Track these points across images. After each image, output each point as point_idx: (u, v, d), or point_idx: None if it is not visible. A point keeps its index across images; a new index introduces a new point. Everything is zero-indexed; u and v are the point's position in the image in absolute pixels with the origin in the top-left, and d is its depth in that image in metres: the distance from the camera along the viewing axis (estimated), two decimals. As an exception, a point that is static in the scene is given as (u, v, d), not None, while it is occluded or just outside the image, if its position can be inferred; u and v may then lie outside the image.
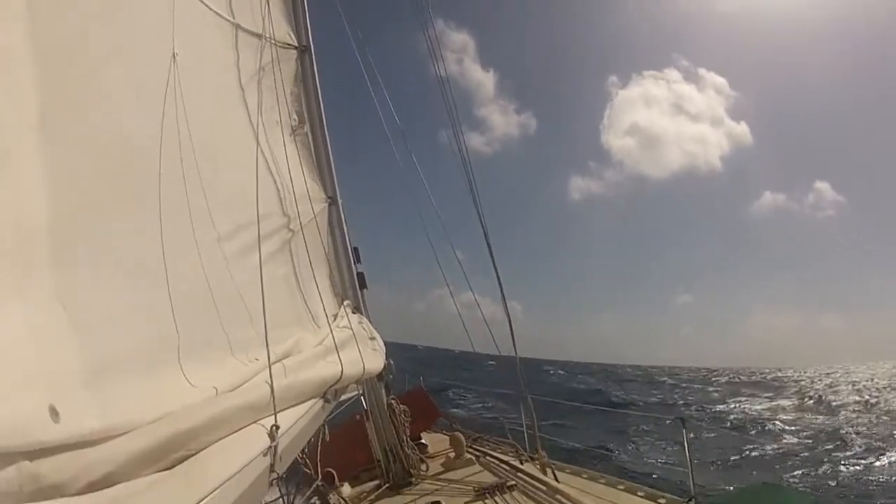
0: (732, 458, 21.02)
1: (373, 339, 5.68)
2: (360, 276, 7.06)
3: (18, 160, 1.70)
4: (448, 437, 8.81)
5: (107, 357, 1.82)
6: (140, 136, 2.76)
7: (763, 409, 39.68)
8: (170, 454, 1.77)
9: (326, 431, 4.28)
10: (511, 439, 8.72)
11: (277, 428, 2.41)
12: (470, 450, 8.46)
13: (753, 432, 28.45)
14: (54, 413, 1.40)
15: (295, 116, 5.84)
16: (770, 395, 52.24)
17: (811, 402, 44.75)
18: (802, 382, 68.16)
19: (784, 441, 26.42)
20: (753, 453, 21.70)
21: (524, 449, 8.21)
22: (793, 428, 30.54)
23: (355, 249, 7.08)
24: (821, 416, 36.08)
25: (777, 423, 32.27)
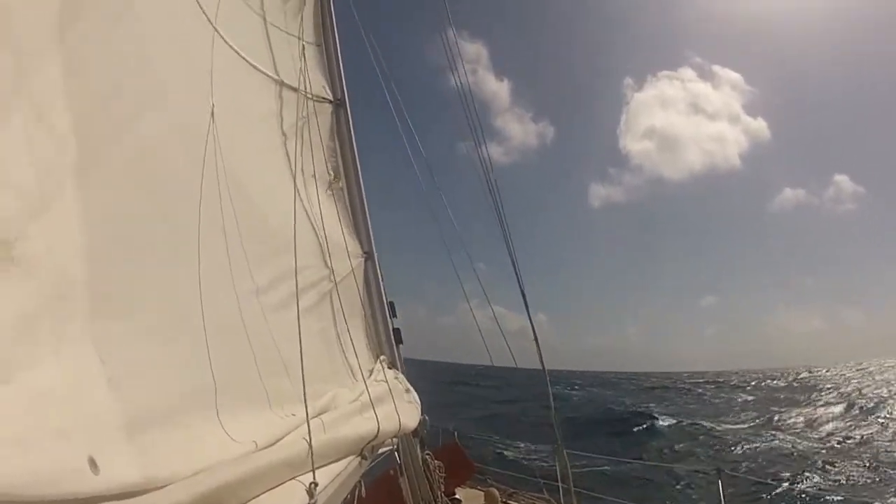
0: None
1: (408, 393, 5.63)
2: (396, 331, 7.02)
3: (56, 210, 1.69)
4: (483, 493, 8.72)
5: (146, 409, 1.79)
6: (179, 185, 2.77)
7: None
8: (210, 509, 1.73)
9: (363, 488, 4.22)
10: (546, 494, 8.61)
11: (316, 485, 2.37)
12: None
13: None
14: (93, 465, 1.37)
15: (331, 170, 5.87)
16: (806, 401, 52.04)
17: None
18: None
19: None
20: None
21: None
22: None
23: (391, 304, 7.06)
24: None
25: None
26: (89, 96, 2.11)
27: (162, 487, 1.61)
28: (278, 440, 2.60)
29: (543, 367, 8.36)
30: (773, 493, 20.75)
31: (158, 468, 1.65)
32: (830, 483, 23.52)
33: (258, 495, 2.06)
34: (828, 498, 20.46)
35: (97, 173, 2.00)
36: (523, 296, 8.38)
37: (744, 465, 26.26)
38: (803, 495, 20.86)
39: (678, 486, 23.14)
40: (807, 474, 24.57)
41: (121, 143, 2.29)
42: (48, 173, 1.70)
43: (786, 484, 21.41)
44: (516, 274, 8.43)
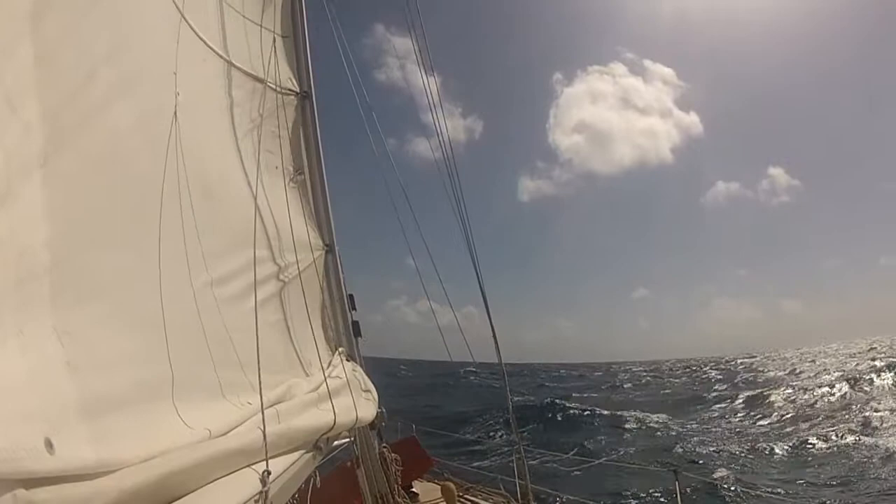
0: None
1: (366, 389, 5.65)
2: (355, 324, 7.03)
3: (21, 197, 1.71)
4: (440, 487, 8.76)
5: (103, 394, 1.82)
6: (142, 176, 2.78)
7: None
8: (162, 494, 1.77)
9: (318, 478, 4.24)
10: (503, 489, 8.67)
11: (269, 474, 2.40)
12: (461, 500, 8.41)
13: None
14: (49, 446, 1.40)
15: (293, 163, 5.87)
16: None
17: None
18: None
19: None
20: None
21: (516, 500, 8.17)
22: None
23: (350, 297, 7.07)
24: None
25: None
26: (59, 85, 2.12)
27: (116, 471, 1.64)
28: (233, 428, 2.63)
29: (500, 361, 8.44)
30: (727, 494, 21.03)
31: (113, 452, 1.67)
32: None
33: (211, 482, 2.08)
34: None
35: (63, 162, 2.02)
36: (482, 292, 8.47)
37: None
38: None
39: (631, 482, 23.35)
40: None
41: (88, 132, 2.31)
42: (14, 160, 1.72)
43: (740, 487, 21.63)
44: (476, 270, 8.52)
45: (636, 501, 21.13)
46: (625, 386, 65.93)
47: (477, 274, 8.53)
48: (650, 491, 21.55)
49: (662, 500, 20.08)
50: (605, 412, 38.24)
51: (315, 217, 6.30)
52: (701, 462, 25.51)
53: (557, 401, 42.29)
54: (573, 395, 52.61)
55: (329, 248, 6.49)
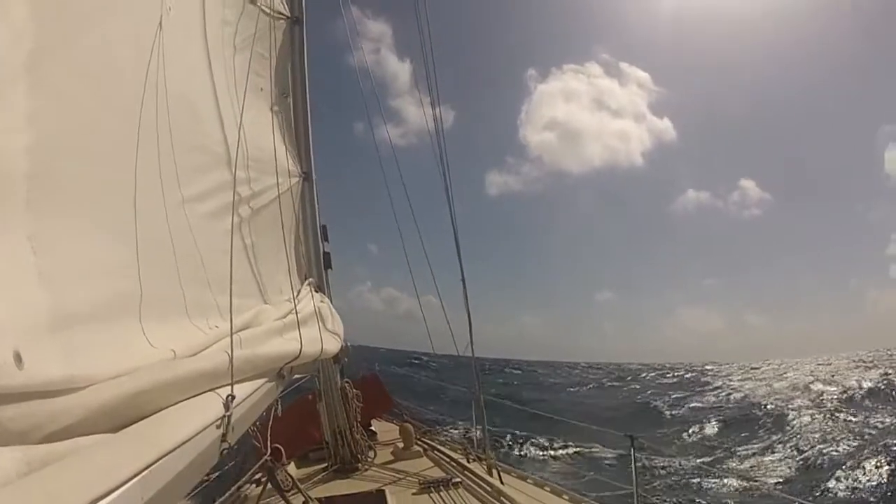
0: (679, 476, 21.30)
1: (333, 318, 5.67)
2: (327, 255, 7.05)
3: (4, 102, 1.67)
4: (398, 427, 8.87)
5: (73, 307, 1.79)
6: (125, 87, 2.72)
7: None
8: (127, 413, 1.76)
9: (279, 407, 4.27)
10: (461, 436, 8.80)
11: (233, 398, 2.41)
12: (419, 442, 8.53)
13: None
14: (19, 360, 1.38)
15: (278, 86, 5.80)
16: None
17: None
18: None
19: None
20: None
21: (473, 447, 8.29)
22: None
23: (324, 227, 7.06)
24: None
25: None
26: None
27: (84, 388, 1.63)
28: (199, 351, 2.62)
29: (470, 327, 8.48)
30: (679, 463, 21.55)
31: (81, 368, 1.66)
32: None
33: (175, 403, 2.08)
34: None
35: (49, 69, 1.97)
36: (463, 283, 8.54)
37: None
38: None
39: (588, 444, 23.81)
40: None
41: (76, 39, 2.25)
42: (1, 66, 1.68)
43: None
44: (459, 259, 8.58)
45: (592, 460, 21.63)
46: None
47: (459, 260, 8.58)
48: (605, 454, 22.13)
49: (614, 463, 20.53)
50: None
51: (295, 144, 6.26)
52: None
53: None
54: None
55: (306, 176, 6.48)
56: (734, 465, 24.63)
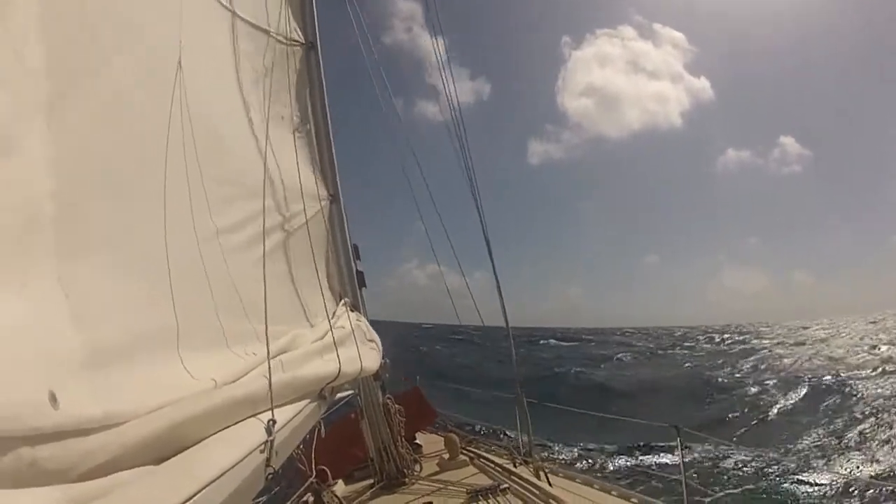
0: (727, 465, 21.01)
1: (371, 339, 5.68)
2: (360, 274, 7.06)
3: (25, 146, 1.70)
4: (443, 438, 8.83)
5: (107, 345, 1.82)
6: (146, 126, 2.77)
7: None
8: (167, 445, 1.77)
9: (323, 428, 4.28)
10: (506, 442, 8.74)
11: (274, 423, 2.41)
12: (464, 451, 8.49)
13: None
14: (54, 399, 1.40)
15: (298, 113, 5.85)
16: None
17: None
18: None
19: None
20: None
21: (518, 452, 8.23)
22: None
23: (355, 247, 7.09)
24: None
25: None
26: (64, 34, 2.11)
27: (122, 423, 1.65)
28: (238, 378, 2.64)
29: (506, 321, 8.51)
30: (728, 450, 21.25)
31: (118, 404, 1.68)
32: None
33: (217, 432, 2.10)
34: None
35: (68, 112, 2.01)
36: (490, 257, 8.52)
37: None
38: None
39: (634, 438, 23.53)
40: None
41: (93, 81, 2.29)
42: (20, 109, 1.71)
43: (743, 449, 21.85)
44: (485, 236, 8.56)
45: (639, 453, 21.38)
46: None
47: (484, 233, 8.57)
48: (651, 445, 21.82)
49: (666, 456, 20.27)
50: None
51: (320, 167, 6.30)
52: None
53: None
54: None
55: (333, 198, 6.52)
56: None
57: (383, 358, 6.19)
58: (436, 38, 8.91)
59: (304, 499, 6.21)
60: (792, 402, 29.95)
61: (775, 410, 28.59)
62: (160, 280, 2.43)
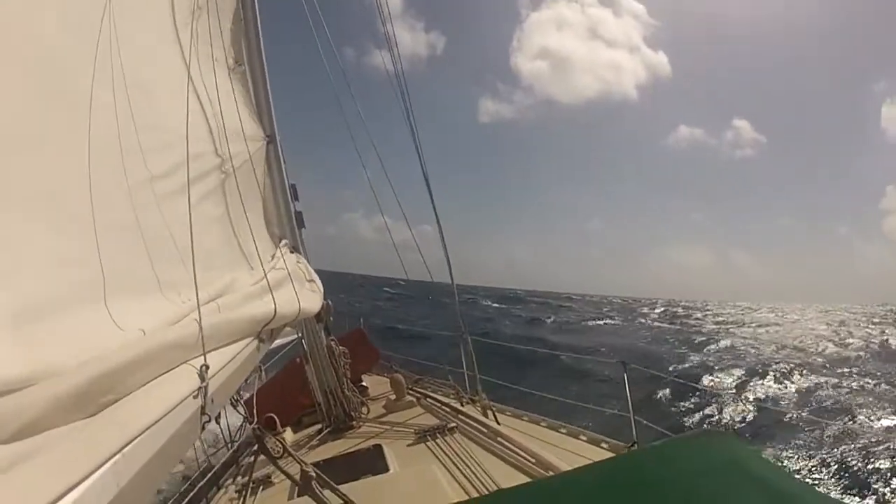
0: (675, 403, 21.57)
1: (311, 280, 5.67)
2: (298, 214, 7.04)
3: None
4: (389, 380, 8.90)
5: (32, 301, 1.81)
6: (73, 71, 2.72)
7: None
8: (96, 398, 1.76)
9: (263, 374, 4.29)
10: (452, 381, 8.82)
11: (207, 368, 2.41)
12: (410, 392, 8.58)
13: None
14: (-21, 360, 1.40)
15: (233, 54, 5.74)
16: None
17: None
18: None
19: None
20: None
21: (465, 391, 8.32)
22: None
23: (293, 187, 7.05)
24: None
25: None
26: None
27: (47, 380, 1.65)
28: (170, 325, 2.62)
29: (448, 262, 8.56)
30: (669, 381, 21.79)
31: (44, 360, 1.67)
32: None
33: (149, 381, 2.09)
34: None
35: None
36: (435, 212, 8.53)
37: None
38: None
39: (580, 375, 23.93)
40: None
41: (19, 27, 2.25)
42: None
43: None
44: (428, 188, 8.56)
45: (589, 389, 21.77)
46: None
47: (428, 187, 8.59)
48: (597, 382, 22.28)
49: (610, 392, 20.69)
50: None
51: (256, 108, 6.23)
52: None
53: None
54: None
55: (270, 139, 6.45)
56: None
57: (325, 299, 6.19)
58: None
59: (251, 449, 6.25)
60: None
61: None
62: (89, 230, 2.40)
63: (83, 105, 2.66)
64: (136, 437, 1.73)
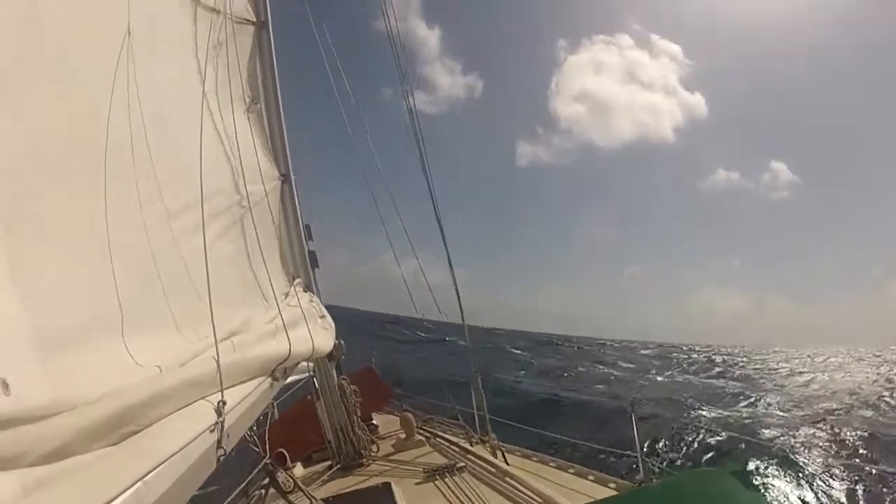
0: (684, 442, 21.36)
1: (323, 317, 5.69)
2: (312, 254, 7.06)
3: None
4: (399, 418, 8.88)
5: (56, 332, 1.83)
6: (94, 109, 2.75)
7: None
8: (117, 429, 1.79)
9: (276, 411, 4.30)
10: (461, 421, 8.79)
11: (224, 404, 2.45)
12: (420, 431, 8.56)
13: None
14: (5, 386, 1.43)
15: (249, 93, 5.82)
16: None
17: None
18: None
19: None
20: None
21: (474, 431, 8.30)
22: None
23: (307, 227, 7.08)
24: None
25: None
26: (8, 17, 2.10)
27: (72, 409, 1.67)
28: (187, 362, 2.65)
29: (459, 302, 8.56)
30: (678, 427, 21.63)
31: (67, 390, 1.70)
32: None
33: (167, 415, 2.12)
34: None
35: (13, 96, 2.01)
36: (446, 248, 8.55)
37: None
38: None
39: (591, 415, 23.78)
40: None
41: (38, 64, 2.29)
42: None
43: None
44: (440, 227, 8.57)
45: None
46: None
47: (440, 228, 8.64)
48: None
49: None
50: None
51: (271, 147, 6.28)
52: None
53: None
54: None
55: (285, 178, 6.49)
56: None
57: (337, 338, 6.21)
58: (388, 15, 8.86)
59: (260, 482, 6.24)
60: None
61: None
62: (107, 266, 2.43)
63: (104, 140, 2.70)
64: (157, 466, 1.75)
